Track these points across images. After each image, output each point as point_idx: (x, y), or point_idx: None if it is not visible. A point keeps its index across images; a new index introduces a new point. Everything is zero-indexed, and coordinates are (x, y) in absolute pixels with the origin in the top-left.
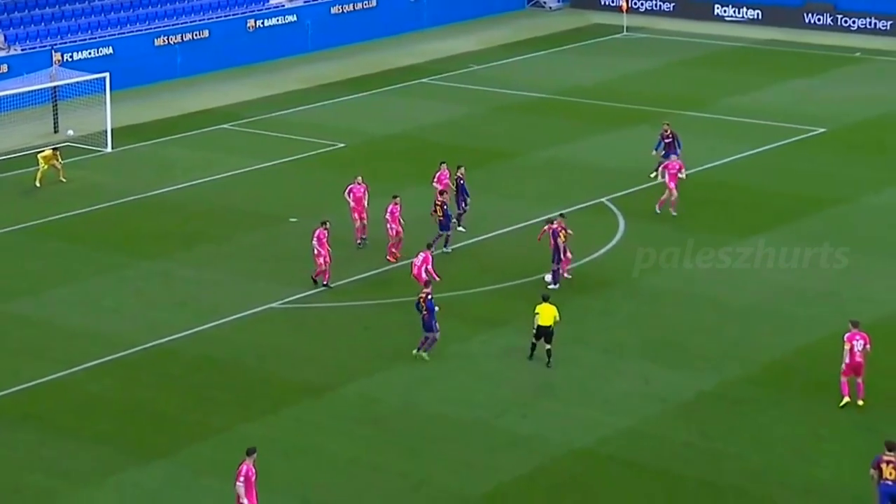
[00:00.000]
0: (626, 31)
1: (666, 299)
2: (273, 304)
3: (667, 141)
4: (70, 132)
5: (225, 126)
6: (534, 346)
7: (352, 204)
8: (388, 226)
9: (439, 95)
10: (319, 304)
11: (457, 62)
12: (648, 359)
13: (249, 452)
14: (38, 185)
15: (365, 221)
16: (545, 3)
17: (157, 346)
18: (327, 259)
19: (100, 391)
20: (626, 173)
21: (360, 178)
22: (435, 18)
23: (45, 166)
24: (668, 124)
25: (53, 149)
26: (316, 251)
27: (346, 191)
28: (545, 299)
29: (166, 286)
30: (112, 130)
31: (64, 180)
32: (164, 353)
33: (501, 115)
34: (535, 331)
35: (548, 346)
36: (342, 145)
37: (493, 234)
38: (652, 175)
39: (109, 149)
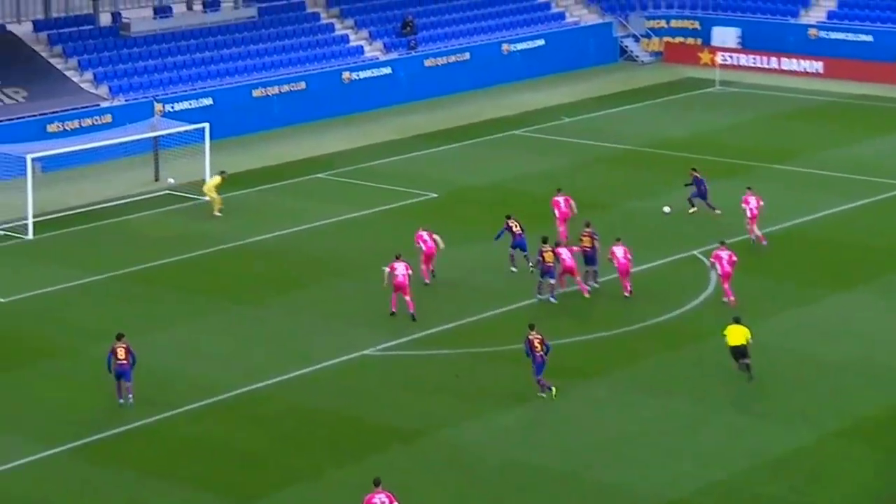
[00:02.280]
0: (719, 84)
1: (758, 351)
2: (366, 351)
3: (691, 184)
4: (170, 180)
5: (320, 175)
6: (746, 367)
7: (424, 249)
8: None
9: (531, 147)
10: (412, 351)
11: (548, 114)
12: (740, 411)
13: (377, 483)
14: (218, 214)
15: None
16: (637, 56)
17: (252, 390)
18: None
19: (195, 434)
20: (719, 225)
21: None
22: (527, 71)
23: (217, 196)
24: (695, 169)
25: (221, 173)
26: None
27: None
28: (737, 321)
29: (261, 332)
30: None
31: (218, 214)
32: (258, 398)
33: (592, 167)
34: (730, 353)
35: (746, 361)
36: (434, 195)
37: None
38: (691, 211)
39: (208, 197)
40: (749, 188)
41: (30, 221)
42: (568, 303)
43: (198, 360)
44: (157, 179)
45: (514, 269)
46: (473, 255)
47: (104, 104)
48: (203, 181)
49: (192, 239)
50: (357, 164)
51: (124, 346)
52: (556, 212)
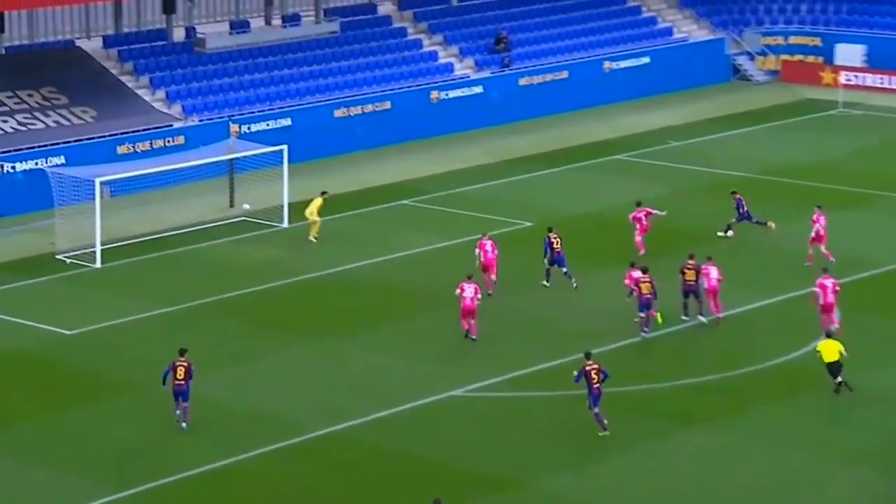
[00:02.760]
0: (842, 106)
1: (886, 401)
2: (454, 392)
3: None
4: (246, 206)
5: (406, 202)
6: (840, 384)
7: (482, 259)
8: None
9: (635, 172)
10: (503, 393)
11: (654, 137)
12: (864, 464)
13: None
14: (314, 239)
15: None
16: (752, 76)
17: (332, 432)
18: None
19: (272, 477)
20: (847, 261)
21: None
22: (631, 91)
23: (319, 220)
24: (735, 192)
25: (322, 193)
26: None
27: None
28: (828, 335)
29: (342, 369)
30: (289, 205)
31: (314, 239)
32: (338, 441)
33: (700, 195)
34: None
35: (839, 379)
36: (529, 224)
37: (689, 324)
38: (725, 234)
39: (286, 224)
40: (819, 206)
41: (97, 249)
42: (670, 341)
43: (275, 398)
44: (231, 205)
45: (546, 283)
46: (568, 291)
47: (177, 124)
48: (280, 208)
49: (269, 268)
50: (446, 190)
51: (185, 364)
52: (637, 226)
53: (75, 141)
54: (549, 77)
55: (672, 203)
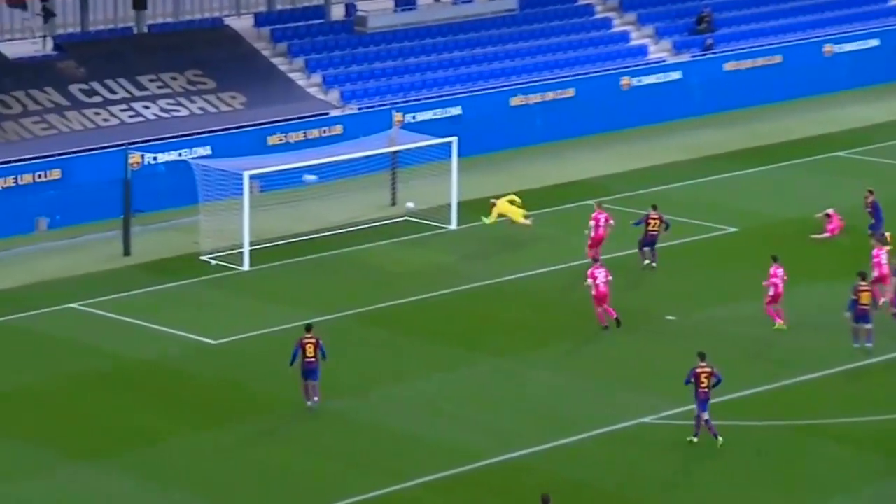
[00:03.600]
0: None
1: None
2: (644, 419)
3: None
4: (410, 205)
5: (588, 202)
6: None
7: (592, 233)
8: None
9: (858, 172)
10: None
11: (882, 133)
12: None
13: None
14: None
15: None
16: None
17: (505, 461)
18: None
19: None
20: None
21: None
22: (855, 78)
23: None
24: (871, 191)
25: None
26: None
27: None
28: None
29: (516, 389)
30: (458, 204)
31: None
32: (512, 470)
33: None
34: None
35: None
36: (734, 230)
37: None
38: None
39: (454, 226)
40: None
41: (245, 250)
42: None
43: (442, 420)
44: (393, 203)
45: (650, 263)
46: (783, 308)
47: (334, 112)
48: (448, 207)
49: (435, 275)
50: (635, 190)
51: (313, 340)
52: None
53: (222, 130)
54: (758, 62)
55: None
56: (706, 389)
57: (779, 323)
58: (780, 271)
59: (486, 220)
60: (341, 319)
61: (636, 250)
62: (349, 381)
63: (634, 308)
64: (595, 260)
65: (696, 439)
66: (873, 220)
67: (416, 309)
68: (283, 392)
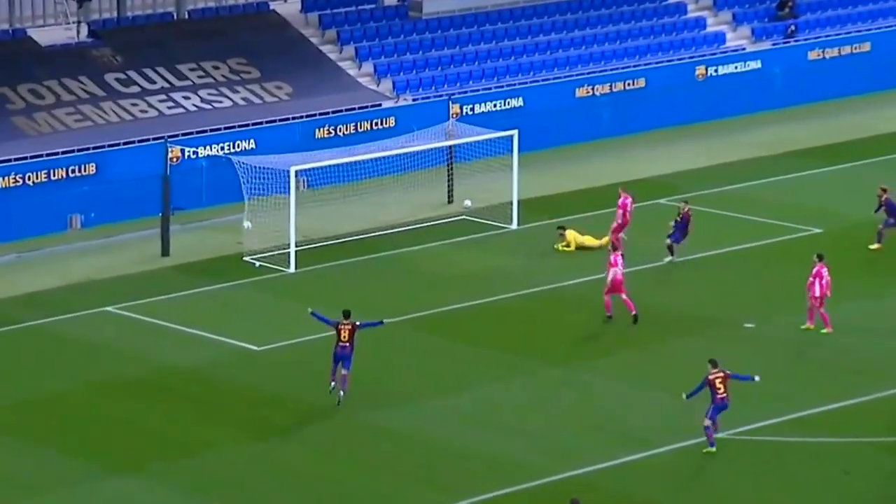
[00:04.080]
0: None
1: None
2: (719, 434)
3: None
4: (467, 203)
5: (660, 201)
6: None
7: (619, 220)
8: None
9: None
10: (778, 437)
11: None
12: None
13: None
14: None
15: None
16: None
17: (570, 477)
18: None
19: None
20: None
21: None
22: None
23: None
24: (885, 189)
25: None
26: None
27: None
28: None
29: (581, 401)
30: (519, 202)
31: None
32: (577, 487)
33: None
34: None
35: None
36: (818, 231)
37: None
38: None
39: (515, 225)
40: None
41: (292, 251)
42: None
43: (498, 434)
44: (450, 201)
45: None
46: (865, 315)
47: (387, 104)
48: (509, 205)
49: (494, 278)
50: (711, 188)
51: (349, 326)
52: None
53: (267, 122)
54: (846, 50)
55: None
56: (724, 395)
57: (810, 325)
58: (825, 271)
59: (559, 247)
60: (393, 325)
61: (713, 251)
62: (400, 390)
63: (709, 314)
64: (615, 248)
65: (713, 449)
66: (888, 220)
67: (472, 314)
68: (328, 402)
